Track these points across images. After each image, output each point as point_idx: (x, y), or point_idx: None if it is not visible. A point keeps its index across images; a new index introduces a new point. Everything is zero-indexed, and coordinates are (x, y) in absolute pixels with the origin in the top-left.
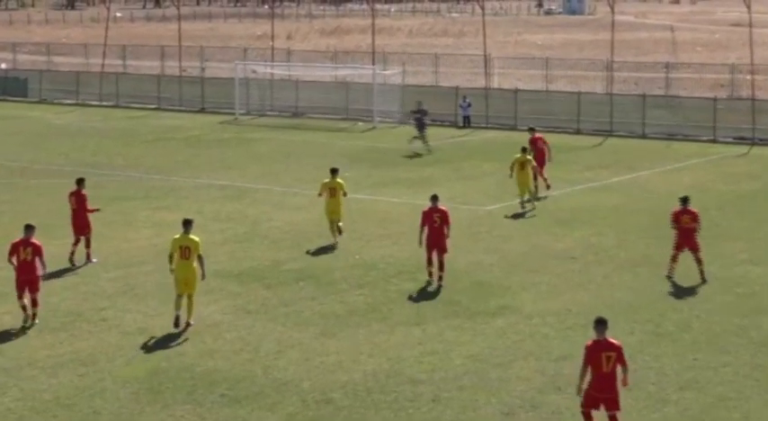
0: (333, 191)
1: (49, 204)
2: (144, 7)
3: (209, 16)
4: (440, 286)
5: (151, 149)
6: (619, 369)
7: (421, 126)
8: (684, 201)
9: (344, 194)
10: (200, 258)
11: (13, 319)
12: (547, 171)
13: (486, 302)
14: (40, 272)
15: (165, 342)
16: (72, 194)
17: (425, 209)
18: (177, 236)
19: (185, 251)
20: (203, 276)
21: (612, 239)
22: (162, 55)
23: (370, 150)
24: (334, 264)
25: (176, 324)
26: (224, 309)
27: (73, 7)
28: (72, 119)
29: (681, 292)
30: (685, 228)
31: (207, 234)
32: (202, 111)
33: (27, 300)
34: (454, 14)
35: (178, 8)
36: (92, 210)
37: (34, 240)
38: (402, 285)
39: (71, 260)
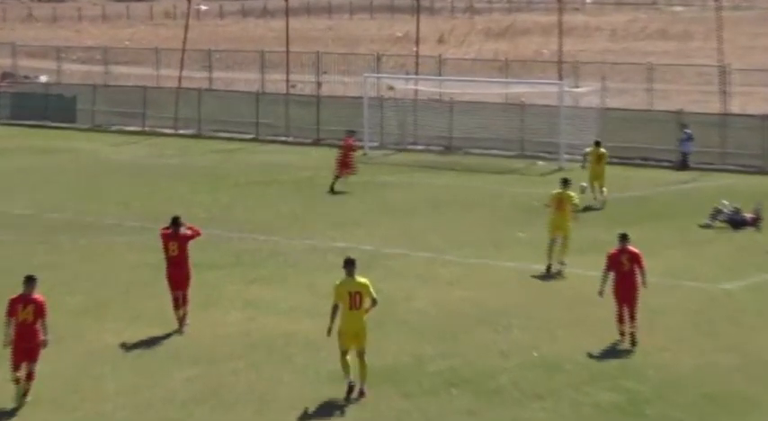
0: (560, 203)
1: (102, 272)
2: None
3: (329, 10)
4: (634, 343)
5: (245, 197)
6: None
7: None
8: None
9: (574, 207)
10: (374, 303)
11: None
12: None
13: None
14: (42, 336)
15: None
16: (168, 238)
17: (612, 251)
18: (339, 281)
19: (355, 298)
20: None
21: None
22: (262, 64)
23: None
24: (501, 362)
25: (350, 391)
26: None
27: None
28: (136, 153)
29: None
30: None
31: (320, 317)
32: (317, 143)
33: (23, 373)
34: (677, 8)
35: None
36: (195, 234)
37: (36, 296)
38: (598, 395)
39: (181, 327)
